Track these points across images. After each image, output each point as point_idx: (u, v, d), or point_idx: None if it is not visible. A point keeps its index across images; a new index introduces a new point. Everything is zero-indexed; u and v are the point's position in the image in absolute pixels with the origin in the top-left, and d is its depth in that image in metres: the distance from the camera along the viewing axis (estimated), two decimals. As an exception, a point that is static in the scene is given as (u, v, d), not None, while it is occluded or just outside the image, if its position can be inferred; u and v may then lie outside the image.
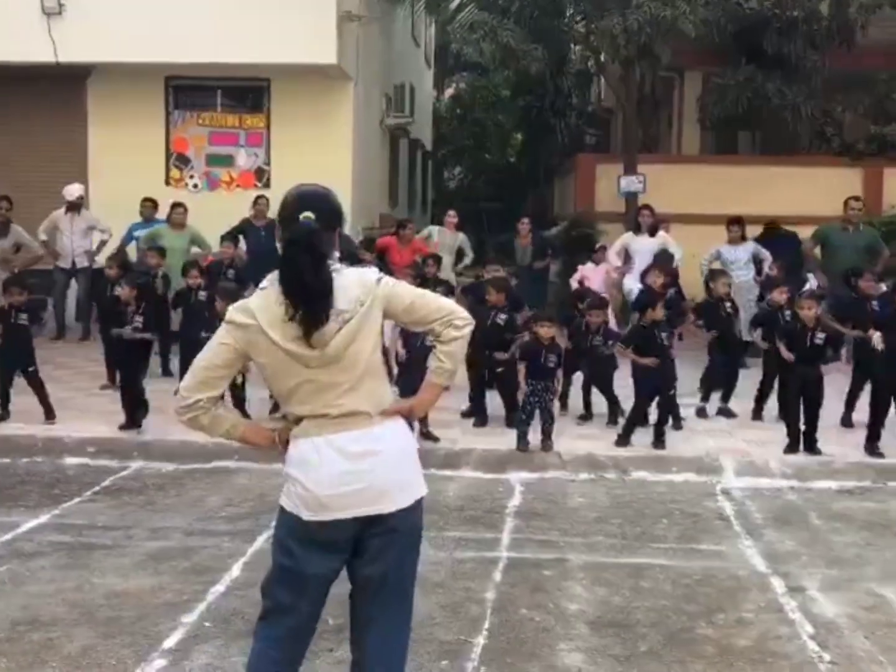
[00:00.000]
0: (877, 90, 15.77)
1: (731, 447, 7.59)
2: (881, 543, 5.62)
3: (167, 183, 15.28)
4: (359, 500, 2.89)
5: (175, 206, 12.06)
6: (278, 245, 3.01)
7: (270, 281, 2.97)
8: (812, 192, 14.92)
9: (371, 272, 3.04)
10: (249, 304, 2.96)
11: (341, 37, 14.12)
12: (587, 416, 8.46)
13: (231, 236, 11.57)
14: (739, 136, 17.96)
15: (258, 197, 12.80)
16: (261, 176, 15.28)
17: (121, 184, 13.85)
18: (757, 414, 8.57)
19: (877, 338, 7.45)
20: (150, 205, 12.90)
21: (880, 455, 7.31)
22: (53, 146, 15.23)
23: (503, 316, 8.31)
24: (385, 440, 2.95)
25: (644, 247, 11.39)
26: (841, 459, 7.28)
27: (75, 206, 12.45)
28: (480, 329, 8.32)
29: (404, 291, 3.03)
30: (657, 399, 7.69)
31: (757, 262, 11.23)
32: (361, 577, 3.02)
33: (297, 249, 2.89)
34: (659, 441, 7.52)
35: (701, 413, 8.70)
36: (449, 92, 23.35)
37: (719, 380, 8.68)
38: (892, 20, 16.40)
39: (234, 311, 2.97)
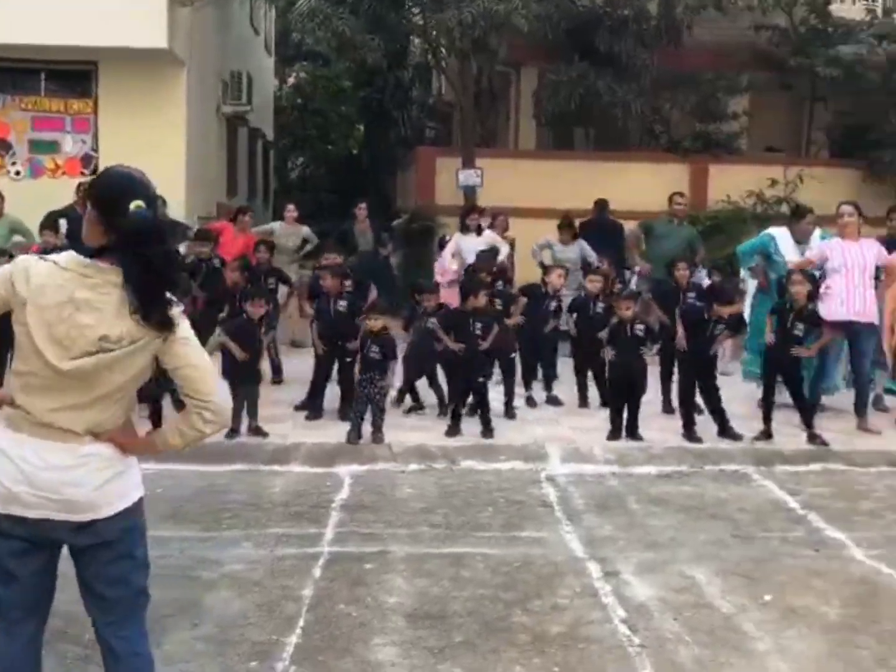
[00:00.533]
0: (702, 89, 16.34)
1: (557, 435, 7.74)
2: (695, 526, 5.81)
3: (-14, 169, 14.53)
4: (50, 503, 2.76)
5: (-11, 194, 11.42)
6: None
7: (68, 261, 2.75)
8: (642, 188, 15.35)
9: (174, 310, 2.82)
10: (39, 271, 2.74)
11: (172, 20, 13.70)
12: (417, 406, 8.50)
13: (52, 222, 11.00)
14: (575, 132, 18.33)
15: (81, 184, 12.24)
16: (88, 163, 14.66)
17: None
18: (583, 401, 8.79)
19: (680, 337, 7.73)
20: None
21: (698, 440, 7.58)
22: None
23: (343, 303, 8.28)
24: (88, 456, 2.80)
25: (471, 246, 11.48)
26: (660, 445, 7.51)
27: None
28: (325, 322, 8.59)
29: (182, 353, 2.83)
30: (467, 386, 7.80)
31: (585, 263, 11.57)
32: (80, 581, 2.93)
33: (145, 243, 2.71)
34: (487, 430, 7.59)
35: (530, 402, 8.87)
36: (290, 81, 22.98)
37: (532, 370, 8.96)
38: (718, 21, 17.08)
39: (25, 263, 2.76)
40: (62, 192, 13.46)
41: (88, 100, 14.68)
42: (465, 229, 11.79)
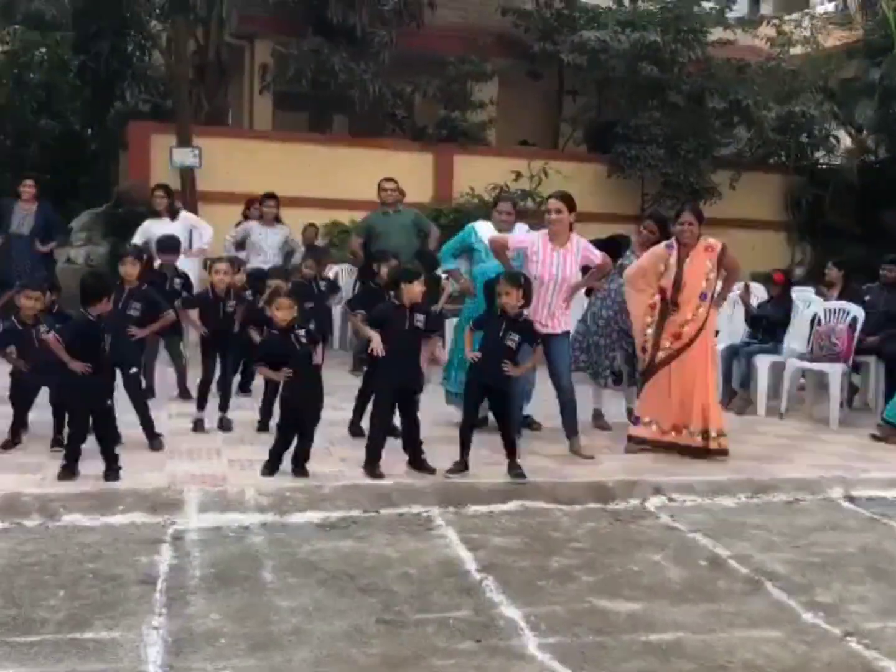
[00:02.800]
0: (447, 74, 15.29)
1: (208, 471, 6.24)
2: (335, 607, 4.43)
3: None
4: None
5: None
6: None
7: None
8: (380, 177, 14.13)
9: None
10: None
11: None
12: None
13: None
14: (316, 114, 16.91)
15: None
16: None
17: None
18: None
19: (375, 342, 6.39)
20: None
21: (379, 476, 6.25)
22: None
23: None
24: None
25: (165, 231, 9.85)
26: (333, 482, 6.15)
27: None
28: None
29: None
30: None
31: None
32: None
33: None
34: (110, 471, 6.00)
35: (198, 426, 7.36)
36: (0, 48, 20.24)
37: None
38: (463, 1, 16.09)
39: None
40: None
41: None
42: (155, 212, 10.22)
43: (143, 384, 7.51)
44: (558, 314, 7.18)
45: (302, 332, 6.24)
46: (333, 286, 9.70)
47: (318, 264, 9.26)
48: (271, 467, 6.24)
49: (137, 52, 16.96)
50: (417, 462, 6.47)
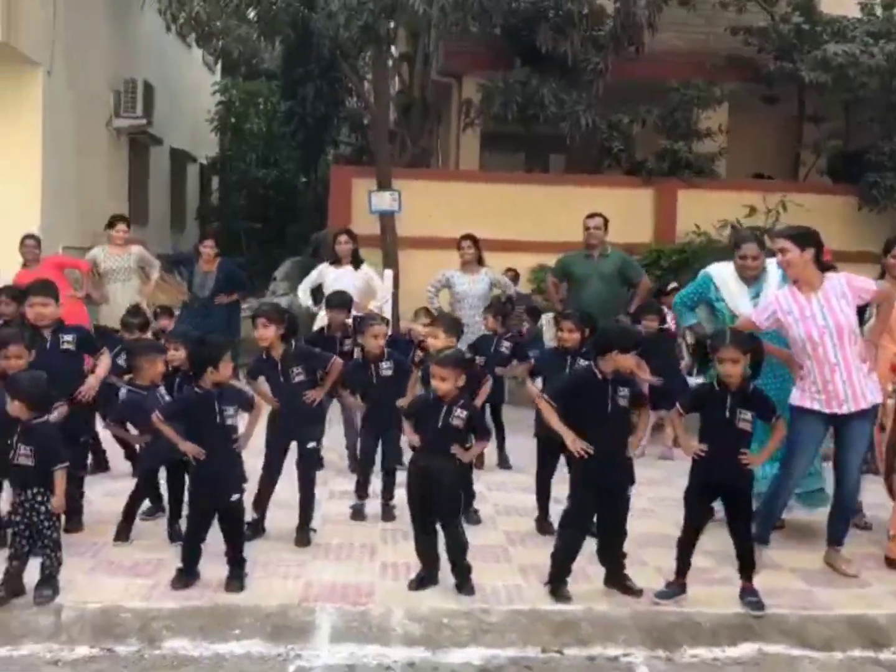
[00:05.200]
0: (668, 101, 13.78)
1: (353, 580, 5.03)
2: None
3: None
4: None
5: None
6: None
7: None
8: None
9: None
10: None
11: (10, 9, 11.23)
12: None
13: None
14: (524, 152, 15.82)
15: None
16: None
17: None
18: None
19: (570, 441, 4.93)
20: None
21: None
22: None
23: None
24: None
25: (343, 282, 8.91)
26: (506, 604, 4.79)
27: None
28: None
29: None
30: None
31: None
32: None
33: None
34: (232, 578, 4.89)
35: (358, 512, 6.21)
36: (217, 99, 20.50)
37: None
38: (686, 22, 14.55)
39: None
40: None
41: (-79, 109, 12.19)
42: (336, 259, 9.35)
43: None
44: (857, 379, 5.37)
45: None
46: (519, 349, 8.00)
47: (497, 317, 7.88)
48: (421, 580, 4.96)
49: (346, 96, 16.53)
50: (618, 579, 5.02)
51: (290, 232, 18.32)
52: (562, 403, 4.99)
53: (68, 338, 5.80)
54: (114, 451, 6.94)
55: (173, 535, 5.52)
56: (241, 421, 5.11)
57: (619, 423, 4.94)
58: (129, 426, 6.00)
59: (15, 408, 4.69)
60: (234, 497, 4.93)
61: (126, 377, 6.15)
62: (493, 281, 9.40)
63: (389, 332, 7.41)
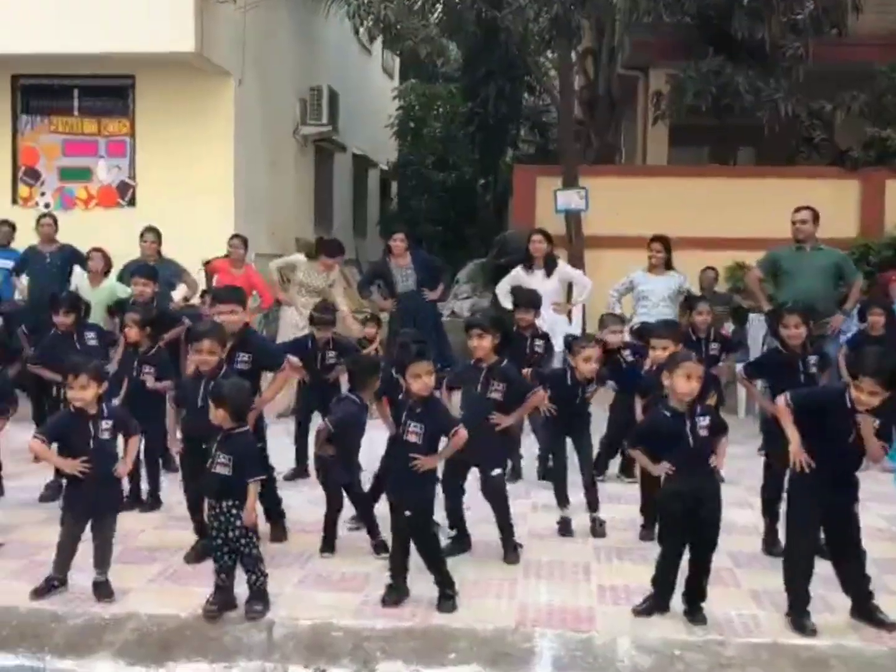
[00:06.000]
0: (875, 86, 12.85)
1: (570, 603, 4.70)
2: None
3: (14, 202, 12.71)
4: None
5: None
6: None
7: None
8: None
9: None
10: None
11: (203, 20, 11.49)
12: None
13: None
14: (711, 145, 15.15)
15: (42, 216, 10.14)
16: (124, 192, 12.65)
17: None
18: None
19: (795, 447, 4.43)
20: (7, 228, 10.29)
21: (811, 631, 4.37)
22: None
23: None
24: None
25: (538, 284, 8.59)
26: (742, 636, 4.35)
27: None
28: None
29: None
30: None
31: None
32: None
33: None
34: (443, 598, 4.64)
35: (565, 528, 5.87)
36: (397, 104, 20.58)
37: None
38: (890, 3, 13.56)
39: None
40: (97, 225, 11.54)
41: (125, 119, 12.67)
42: (529, 262, 9.01)
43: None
44: None
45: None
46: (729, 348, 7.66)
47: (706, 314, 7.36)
48: (649, 606, 4.58)
49: (526, 94, 16.25)
50: (865, 609, 4.50)
51: (471, 234, 18.17)
52: (797, 412, 4.51)
53: (244, 357, 5.53)
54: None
55: (377, 548, 5.34)
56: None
57: (855, 451, 4.43)
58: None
59: (218, 415, 4.60)
60: (407, 513, 4.67)
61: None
62: (680, 285, 8.90)
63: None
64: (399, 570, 4.68)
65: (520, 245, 12.30)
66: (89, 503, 4.69)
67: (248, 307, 6.47)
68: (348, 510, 5.62)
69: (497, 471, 5.44)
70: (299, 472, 7.03)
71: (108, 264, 8.99)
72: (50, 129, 12.76)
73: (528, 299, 7.41)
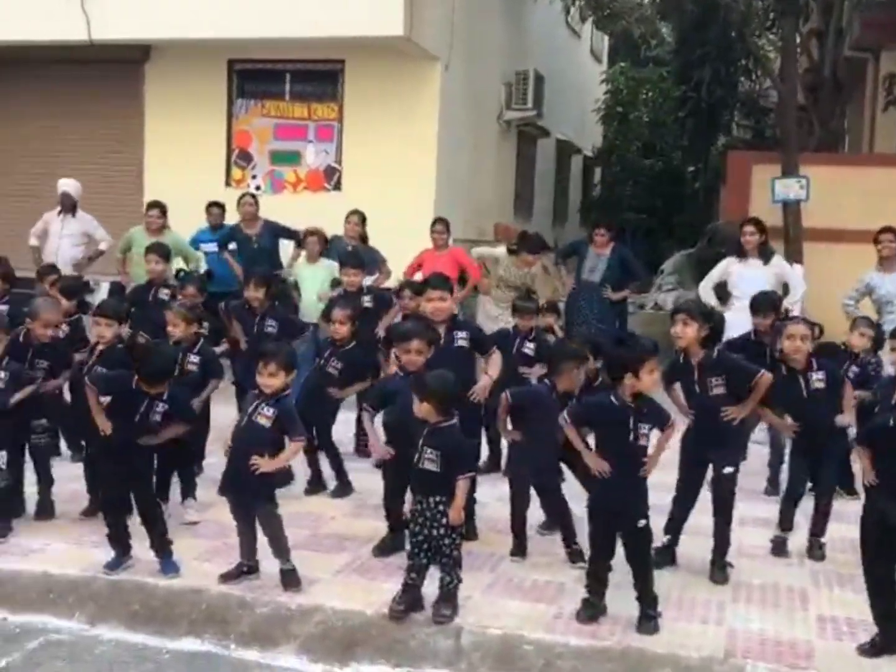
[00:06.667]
0: None
1: (785, 634, 4.23)
2: None
3: (227, 184, 13.10)
4: None
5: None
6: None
7: None
8: None
9: None
10: None
11: (412, 4, 11.41)
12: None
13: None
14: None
15: (243, 195, 10.29)
16: (331, 176, 12.82)
17: (177, 188, 11.47)
18: None
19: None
20: (218, 210, 10.66)
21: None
22: (108, 141, 13.43)
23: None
24: None
25: (751, 278, 8.01)
26: None
27: (67, 206, 10.21)
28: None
29: None
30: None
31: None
32: None
33: None
34: (643, 618, 4.27)
35: (779, 547, 5.36)
36: (604, 88, 20.03)
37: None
38: None
39: None
40: (302, 209, 11.74)
41: (333, 104, 12.82)
42: (742, 252, 8.44)
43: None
44: None
45: None
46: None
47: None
48: (877, 646, 4.06)
49: (742, 77, 15.43)
50: None
51: (678, 223, 17.48)
52: None
53: (462, 335, 5.52)
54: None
55: (573, 556, 5.02)
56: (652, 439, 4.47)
57: None
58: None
59: (423, 409, 4.40)
60: (641, 523, 4.31)
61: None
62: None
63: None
64: (599, 585, 4.35)
65: (731, 236, 11.67)
66: (237, 487, 4.63)
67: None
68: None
69: (730, 469, 5.00)
70: (491, 466, 6.80)
71: (324, 243, 9.07)
72: (262, 113, 13.05)
73: (768, 302, 6.63)
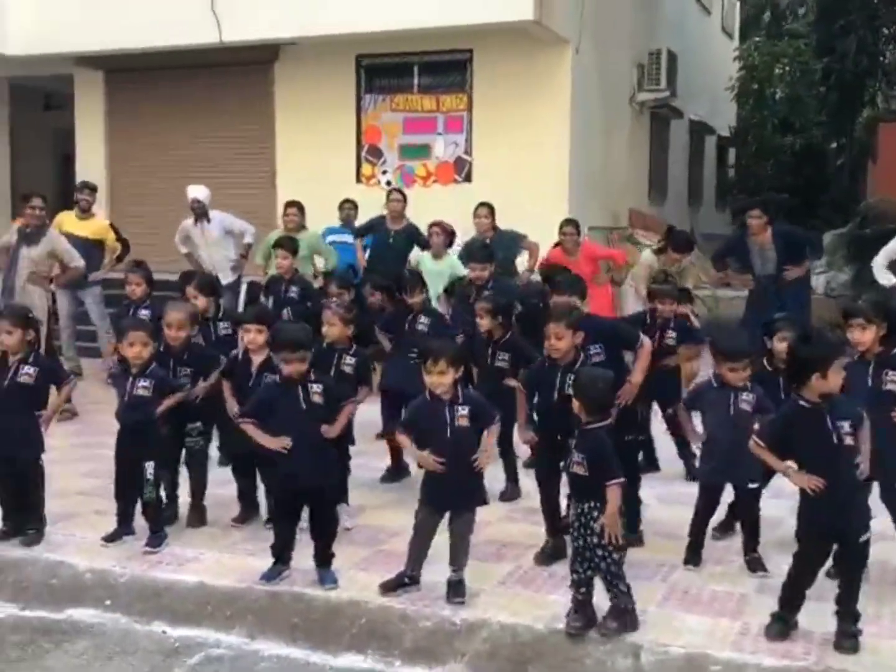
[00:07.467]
0: None
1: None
2: None
3: (358, 180, 13.05)
4: None
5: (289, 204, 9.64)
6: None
7: None
8: None
9: None
10: None
11: (543, -11, 11.09)
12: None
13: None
14: None
15: (392, 191, 10.13)
16: (461, 168, 12.63)
17: (308, 187, 11.49)
18: None
19: None
20: (349, 206, 10.62)
21: None
22: (241, 142, 13.56)
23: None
24: None
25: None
26: None
27: (198, 213, 10.11)
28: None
29: None
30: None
31: None
32: None
33: None
34: (844, 637, 3.87)
35: None
36: (738, 65, 19.21)
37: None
38: None
39: None
40: (433, 203, 11.57)
41: (462, 95, 12.62)
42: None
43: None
44: None
45: None
46: None
47: None
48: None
49: (890, 46, 14.56)
50: None
51: (822, 202, 16.63)
52: None
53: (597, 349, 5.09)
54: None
55: (753, 564, 4.65)
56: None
57: None
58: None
59: (575, 406, 4.14)
60: (864, 538, 3.91)
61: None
62: None
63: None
64: (795, 600, 3.97)
65: (888, 212, 10.98)
66: (446, 496, 4.39)
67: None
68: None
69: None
70: (646, 466, 6.44)
71: (449, 237, 8.88)
72: (391, 108, 12.94)
73: None
